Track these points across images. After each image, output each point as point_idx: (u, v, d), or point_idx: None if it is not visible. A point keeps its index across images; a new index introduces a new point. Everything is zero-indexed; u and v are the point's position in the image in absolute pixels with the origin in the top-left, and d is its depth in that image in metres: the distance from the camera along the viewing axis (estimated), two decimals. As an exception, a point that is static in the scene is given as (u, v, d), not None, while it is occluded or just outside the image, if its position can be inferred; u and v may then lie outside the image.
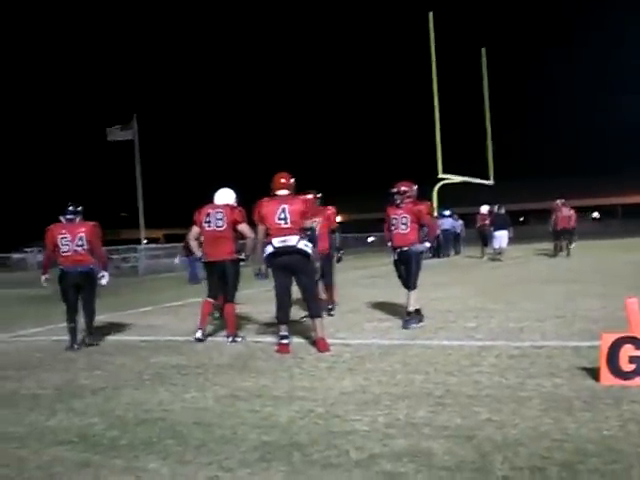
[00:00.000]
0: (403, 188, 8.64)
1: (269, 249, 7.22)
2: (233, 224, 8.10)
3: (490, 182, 40.46)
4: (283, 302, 7.27)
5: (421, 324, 8.53)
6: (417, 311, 8.62)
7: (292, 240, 7.11)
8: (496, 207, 23.12)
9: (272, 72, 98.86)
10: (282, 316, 7.29)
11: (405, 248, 8.55)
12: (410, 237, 8.55)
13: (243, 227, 8.13)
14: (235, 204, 8.33)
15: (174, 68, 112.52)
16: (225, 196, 8.37)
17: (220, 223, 8.10)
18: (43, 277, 8.48)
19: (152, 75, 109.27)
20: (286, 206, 7.19)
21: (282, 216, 7.17)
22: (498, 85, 48.01)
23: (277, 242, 7.16)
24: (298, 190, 7.67)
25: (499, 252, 22.42)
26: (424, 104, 35.95)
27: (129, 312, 12.23)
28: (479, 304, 10.51)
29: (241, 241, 8.29)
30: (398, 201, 8.60)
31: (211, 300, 8.36)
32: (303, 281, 7.19)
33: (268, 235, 7.27)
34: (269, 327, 9.03)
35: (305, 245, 7.15)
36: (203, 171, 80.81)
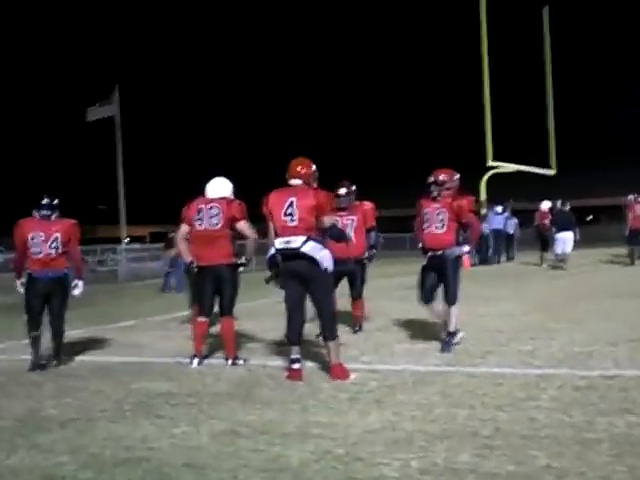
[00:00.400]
0: (442, 177, 8.61)
1: (271, 250, 7.25)
2: (230, 221, 8.11)
3: (552, 172, 40.25)
4: (294, 318, 7.27)
5: (457, 342, 8.56)
6: (451, 334, 8.62)
7: (296, 241, 7.10)
8: (559, 203, 23.04)
9: (288, 40, 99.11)
10: (293, 335, 7.29)
11: (439, 252, 8.53)
12: (447, 238, 8.54)
13: (242, 225, 8.14)
14: (232, 197, 8.35)
15: (165, 29, 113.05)
16: (220, 187, 8.38)
17: (215, 220, 8.11)
18: (18, 282, 8.57)
19: (138, 38, 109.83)
20: (294, 199, 7.19)
21: (289, 212, 7.18)
22: (563, 52, 47.75)
23: (279, 243, 7.18)
24: (327, 181, 7.63)
25: (562, 258, 22.32)
26: (471, 75, 35.93)
27: (107, 327, 12.29)
28: (537, 323, 10.49)
29: (240, 242, 8.31)
30: (435, 193, 8.57)
31: (205, 319, 8.33)
32: (315, 293, 7.17)
33: (276, 234, 7.29)
34: (277, 348, 9.05)
35: (312, 248, 7.07)
36: (198, 157, 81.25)
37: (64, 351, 8.77)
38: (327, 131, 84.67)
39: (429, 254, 8.60)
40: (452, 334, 8.59)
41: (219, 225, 8.10)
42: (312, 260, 7.05)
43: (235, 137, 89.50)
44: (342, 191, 9.94)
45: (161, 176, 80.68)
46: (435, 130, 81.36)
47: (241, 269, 8.27)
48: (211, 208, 8.14)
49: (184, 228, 8.31)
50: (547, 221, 23.94)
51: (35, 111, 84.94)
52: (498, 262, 27.60)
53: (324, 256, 7.08)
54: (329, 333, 7.23)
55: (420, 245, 8.78)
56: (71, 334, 11.22)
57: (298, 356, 7.28)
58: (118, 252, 30.22)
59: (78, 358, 9.13)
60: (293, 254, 7.08)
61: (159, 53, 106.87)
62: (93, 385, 7.38)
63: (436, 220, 8.53)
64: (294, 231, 7.13)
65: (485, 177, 35.84)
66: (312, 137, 74.50)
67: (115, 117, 34.53)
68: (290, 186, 7.35)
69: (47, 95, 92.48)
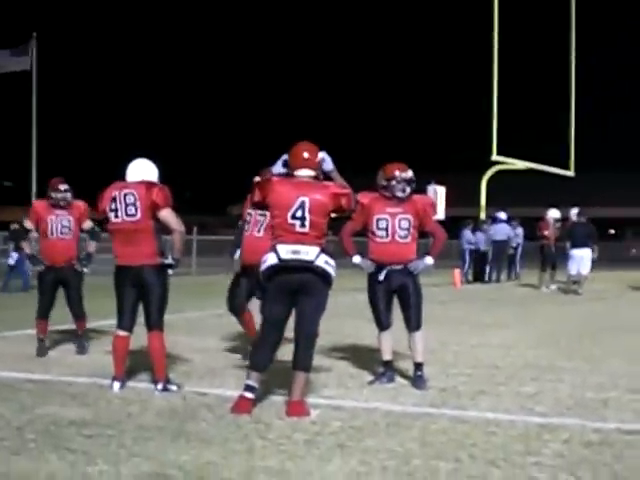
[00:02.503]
0: (411, 174, 8.65)
1: (270, 259, 7.23)
2: (151, 210, 8.08)
3: (569, 173, 40.53)
4: (270, 338, 7.31)
5: (391, 383, 8.62)
6: (420, 365, 8.68)
7: (309, 253, 7.15)
8: (574, 212, 23.03)
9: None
10: (259, 360, 7.31)
11: (398, 267, 8.59)
12: (411, 250, 8.67)
13: (166, 214, 8.11)
14: (155, 181, 8.35)
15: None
16: (142, 170, 8.38)
17: (132, 210, 8.10)
18: None
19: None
20: (306, 200, 7.20)
21: (298, 214, 7.19)
22: (590, 36, 48.23)
23: (285, 252, 7.17)
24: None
25: (576, 280, 22.51)
26: (476, 51, 36.14)
27: (7, 333, 12.25)
28: (542, 359, 10.57)
29: (166, 236, 8.32)
30: (400, 194, 8.60)
31: (125, 333, 8.31)
32: (306, 310, 7.23)
33: (275, 236, 7.30)
34: (220, 372, 9.04)
35: (326, 263, 7.19)
36: (133, 127, 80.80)
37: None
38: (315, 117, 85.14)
39: (387, 269, 8.63)
40: (420, 365, 8.68)
41: (138, 216, 8.08)
42: (322, 275, 7.19)
43: (176, 110, 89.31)
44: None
45: (85, 148, 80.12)
46: (426, 115, 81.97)
47: (170, 272, 8.27)
48: (126, 195, 8.11)
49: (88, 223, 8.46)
50: (547, 232, 24.06)
51: None
52: (497, 280, 27.79)
53: (333, 271, 7.29)
54: (304, 361, 7.27)
55: (358, 259, 8.69)
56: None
57: (256, 384, 7.27)
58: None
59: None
60: (302, 267, 7.15)
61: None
62: (-12, 407, 7.33)
63: (398, 227, 8.59)
64: (304, 239, 7.18)
65: (487, 174, 35.99)
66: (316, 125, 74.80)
67: (31, 72, 34.14)
68: (298, 179, 7.37)
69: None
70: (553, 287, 23.83)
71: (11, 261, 22.36)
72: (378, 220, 8.62)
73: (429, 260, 8.74)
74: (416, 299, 8.70)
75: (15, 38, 35.25)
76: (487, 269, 28.11)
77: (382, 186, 8.66)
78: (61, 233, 10.46)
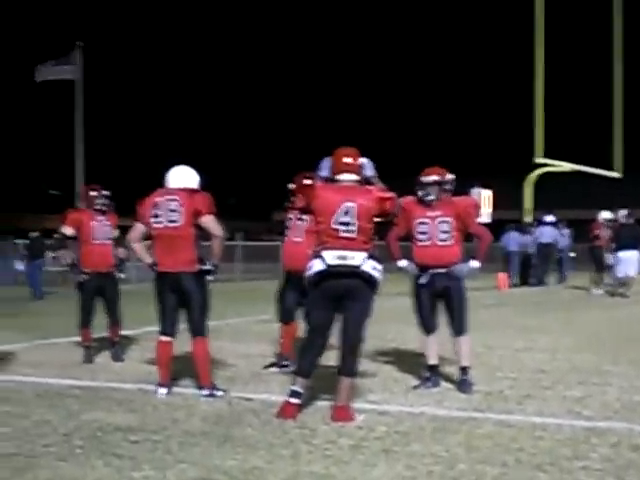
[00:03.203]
0: (448, 176, 8.65)
1: (317, 265, 7.25)
2: (193, 217, 8.14)
3: (617, 174, 40.18)
4: (315, 344, 7.35)
5: (435, 389, 8.59)
6: (466, 369, 8.70)
7: (356, 258, 7.16)
8: (622, 213, 22.89)
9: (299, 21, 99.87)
10: (305, 365, 7.35)
11: (441, 270, 8.58)
12: (454, 252, 8.62)
13: (208, 220, 8.15)
14: (197, 188, 8.41)
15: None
16: (183, 177, 8.44)
17: (174, 216, 8.16)
18: None
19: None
20: (353, 205, 7.21)
21: (345, 220, 7.20)
22: (634, 28, 47.71)
23: (332, 257, 7.19)
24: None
25: (624, 283, 22.33)
26: (519, 53, 35.92)
27: (53, 340, 12.37)
28: (589, 363, 10.50)
29: (205, 243, 8.35)
30: (432, 197, 8.59)
31: (167, 339, 8.38)
32: (353, 315, 7.25)
33: (321, 242, 7.31)
34: (265, 377, 9.07)
35: (373, 268, 7.20)
36: (178, 134, 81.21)
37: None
38: (351, 120, 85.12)
39: (430, 272, 8.62)
40: (466, 369, 8.67)
41: (179, 222, 8.14)
42: (369, 280, 7.21)
43: (221, 116, 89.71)
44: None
45: (131, 156, 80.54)
46: (470, 118, 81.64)
47: (209, 278, 8.32)
48: (170, 201, 8.18)
49: (138, 228, 8.42)
50: (598, 232, 23.85)
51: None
52: (544, 283, 27.62)
53: (380, 276, 7.29)
54: (349, 367, 7.30)
55: (404, 263, 8.70)
56: (8, 348, 11.29)
57: (302, 390, 7.30)
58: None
59: (17, 378, 9.17)
60: (350, 272, 7.17)
61: (134, 8, 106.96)
62: (36, 413, 7.40)
63: (438, 230, 8.58)
64: (351, 244, 7.20)
65: (532, 176, 35.79)
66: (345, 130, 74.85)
67: (76, 82, 34.36)
68: (341, 184, 7.40)
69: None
70: (600, 291, 23.61)
71: (21, 267, 22.78)
72: (419, 224, 8.63)
73: (475, 264, 8.67)
74: (460, 303, 8.67)
75: (60, 47, 35.56)
76: (533, 272, 27.94)
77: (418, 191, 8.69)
78: (104, 239, 10.56)
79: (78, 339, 10.93)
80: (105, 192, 10.76)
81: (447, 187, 8.67)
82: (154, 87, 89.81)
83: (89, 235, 10.50)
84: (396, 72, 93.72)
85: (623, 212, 22.80)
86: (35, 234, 23.69)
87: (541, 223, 28.62)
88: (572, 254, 27.67)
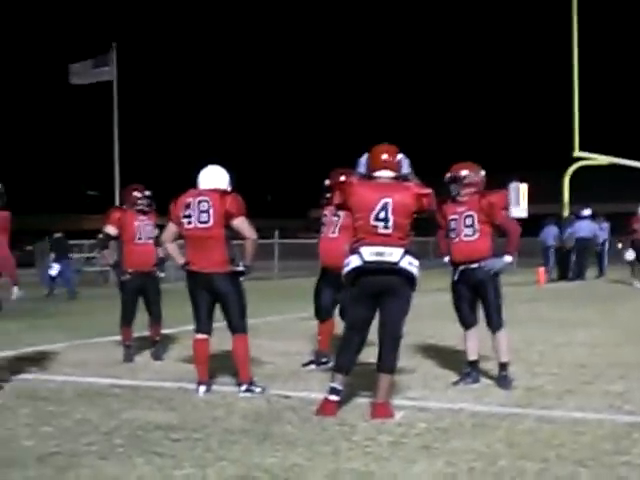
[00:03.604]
0: (463, 172, 8.59)
1: (354, 261, 7.24)
2: (224, 218, 8.17)
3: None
4: (354, 341, 7.34)
5: (474, 384, 8.56)
6: (505, 365, 8.65)
7: (393, 254, 7.15)
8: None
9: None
10: (344, 362, 7.34)
11: (473, 265, 8.54)
12: (481, 246, 8.53)
13: (240, 222, 8.19)
14: (229, 189, 8.44)
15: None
16: (214, 177, 8.47)
17: (205, 217, 8.20)
18: None
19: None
20: (389, 201, 7.20)
21: (382, 215, 7.19)
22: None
23: (369, 253, 7.18)
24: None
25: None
26: (555, 47, 35.70)
27: (93, 340, 12.46)
28: (631, 357, 10.44)
29: (236, 242, 8.36)
30: (454, 192, 8.56)
31: (203, 336, 8.42)
32: (391, 313, 7.23)
33: (358, 238, 7.30)
34: (304, 375, 9.08)
35: (410, 264, 7.19)
36: (213, 134, 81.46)
37: (41, 369, 8.86)
38: (378, 117, 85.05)
39: (460, 268, 8.59)
40: (505, 365, 8.63)
41: (210, 223, 8.18)
42: (406, 277, 7.19)
43: (259, 114, 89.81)
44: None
45: (167, 156, 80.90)
46: (509, 113, 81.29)
47: (241, 278, 8.35)
48: (201, 202, 8.22)
49: (171, 228, 8.45)
50: (638, 225, 23.65)
51: (7, 67, 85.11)
52: (582, 277, 27.43)
53: (417, 272, 7.26)
54: (388, 363, 7.29)
55: (447, 258, 8.73)
56: (49, 348, 11.37)
57: (341, 387, 7.30)
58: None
59: (58, 378, 9.24)
60: (388, 269, 7.16)
61: (167, 8, 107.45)
62: (77, 412, 7.46)
63: (464, 225, 8.54)
64: (388, 240, 7.19)
65: (570, 170, 35.56)
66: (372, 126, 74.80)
67: (112, 83, 34.47)
68: (378, 180, 7.39)
69: (23, 48, 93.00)
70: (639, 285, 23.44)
71: (54, 272, 22.69)
72: (450, 221, 8.64)
73: (507, 258, 8.57)
74: (494, 298, 8.59)
75: (95, 49, 35.75)
76: (571, 266, 27.76)
77: None
78: (146, 238, 10.62)
79: (118, 338, 11.00)
80: (147, 192, 10.87)
81: (466, 182, 8.58)
82: (189, 85, 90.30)
83: (132, 235, 10.56)
84: (437, 68, 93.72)
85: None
86: (59, 234, 23.55)
87: (578, 217, 28.43)
88: (619, 245, 27.31)
